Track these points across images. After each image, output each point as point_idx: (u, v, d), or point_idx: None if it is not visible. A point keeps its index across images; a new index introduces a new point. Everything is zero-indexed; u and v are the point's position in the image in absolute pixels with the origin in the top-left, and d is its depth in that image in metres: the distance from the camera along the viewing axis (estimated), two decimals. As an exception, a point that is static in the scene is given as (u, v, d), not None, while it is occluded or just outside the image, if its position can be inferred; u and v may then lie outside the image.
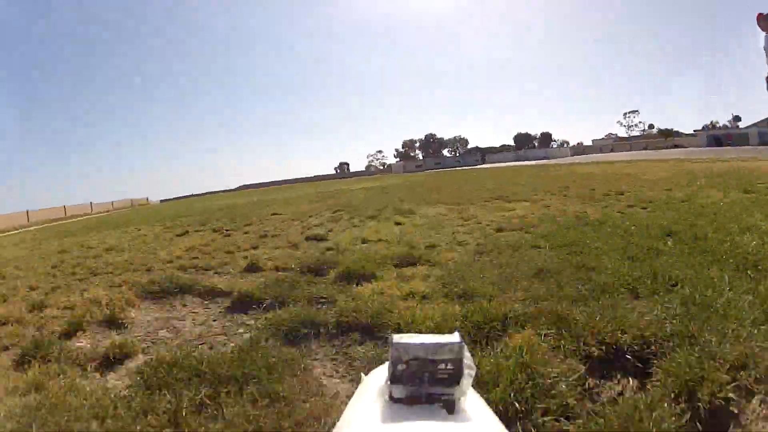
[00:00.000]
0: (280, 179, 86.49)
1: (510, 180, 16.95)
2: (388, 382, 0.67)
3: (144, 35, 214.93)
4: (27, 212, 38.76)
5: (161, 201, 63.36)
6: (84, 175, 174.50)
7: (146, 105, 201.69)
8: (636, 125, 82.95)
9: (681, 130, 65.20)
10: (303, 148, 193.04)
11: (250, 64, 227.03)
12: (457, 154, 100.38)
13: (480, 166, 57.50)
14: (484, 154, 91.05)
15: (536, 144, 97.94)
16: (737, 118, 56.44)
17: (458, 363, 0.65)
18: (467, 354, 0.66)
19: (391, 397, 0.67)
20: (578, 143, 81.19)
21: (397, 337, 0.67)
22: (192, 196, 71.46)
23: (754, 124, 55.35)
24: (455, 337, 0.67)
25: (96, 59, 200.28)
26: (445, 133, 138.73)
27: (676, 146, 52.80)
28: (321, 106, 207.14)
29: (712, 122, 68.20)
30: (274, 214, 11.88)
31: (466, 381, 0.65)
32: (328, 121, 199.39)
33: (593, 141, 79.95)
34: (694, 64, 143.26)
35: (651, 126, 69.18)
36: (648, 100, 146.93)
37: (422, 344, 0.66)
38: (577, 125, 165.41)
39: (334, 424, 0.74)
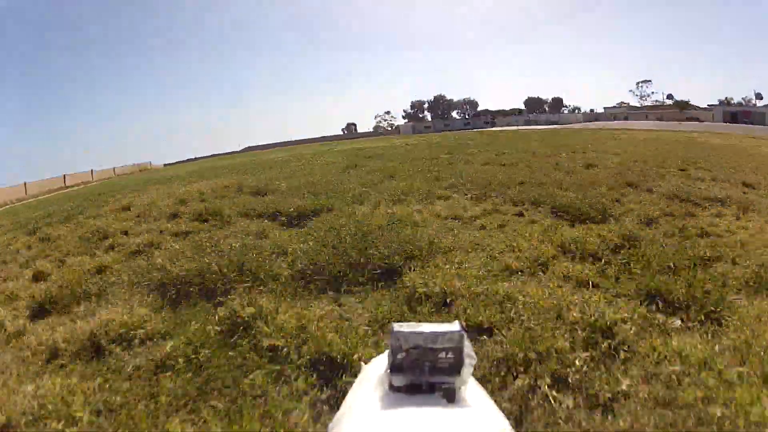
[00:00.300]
0: (286, 140, 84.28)
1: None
2: (389, 371, 0.68)
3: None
4: (24, 184, 35.93)
5: (165, 165, 60.78)
6: (74, 144, 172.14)
7: (138, 67, 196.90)
8: (649, 95, 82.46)
9: (695, 104, 64.77)
10: (308, 110, 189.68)
11: (252, 21, 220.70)
12: (467, 116, 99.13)
13: (495, 129, 57.26)
14: (494, 116, 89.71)
15: (547, 109, 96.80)
16: (759, 96, 56.04)
17: (458, 352, 0.66)
18: (467, 343, 0.68)
19: (391, 386, 0.68)
20: (591, 110, 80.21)
21: (397, 326, 0.68)
22: (199, 158, 69.24)
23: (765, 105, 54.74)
24: (455, 326, 0.68)
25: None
26: (455, 95, 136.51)
27: (690, 119, 52.52)
28: (326, 66, 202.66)
29: (726, 98, 67.42)
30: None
31: (467, 370, 0.67)
32: (335, 81, 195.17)
33: (605, 108, 79.10)
34: (713, 36, 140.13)
35: (670, 96, 68.44)
36: (661, 71, 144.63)
37: (422, 333, 0.67)
38: (589, 92, 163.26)
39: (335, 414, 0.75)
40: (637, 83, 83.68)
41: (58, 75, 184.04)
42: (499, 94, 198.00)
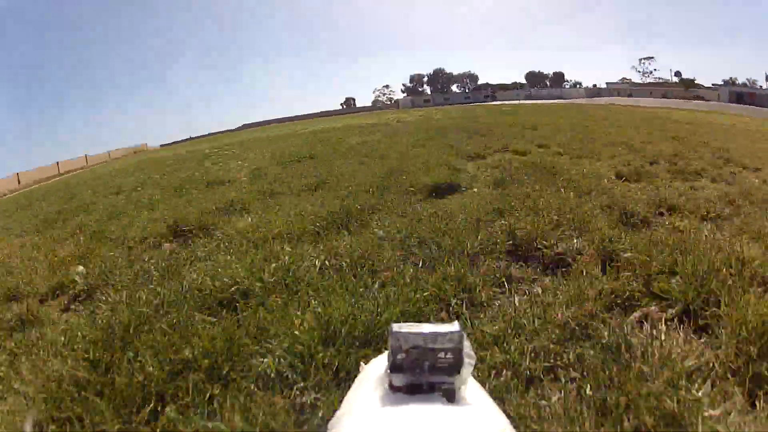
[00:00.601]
0: (283, 117, 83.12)
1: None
2: (388, 371, 0.68)
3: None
4: (17, 174, 34.31)
5: (161, 146, 59.63)
6: (62, 130, 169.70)
7: (129, 43, 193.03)
8: (651, 72, 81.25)
9: (699, 83, 63.95)
10: (304, 84, 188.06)
11: None
12: (467, 90, 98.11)
13: (495, 103, 56.68)
14: (495, 90, 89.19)
15: (548, 83, 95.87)
16: None
17: (458, 352, 0.66)
18: (467, 343, 0.67)
19: (391, 386, 0.68)
20: (593, 85, 79.37)
21: (397, 326, 0.68)
22: (194, 138, 67.60)
23: None
24: (455, 326, 0.67)
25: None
26: (455, 68, 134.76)
27: (696, 98, 52.08)
28: (323, 39, 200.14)
29: (731, 78, 66.54)
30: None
31: (466, 370, 0.67)
32: (331, 55, 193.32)
33: (607, 84, 78.43)
34: (718, 12, 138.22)
35: (678, 73, 67.33)
36: (665, 48, 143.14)
37: (421, 333, 0.66)
38: (590, 67, 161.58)
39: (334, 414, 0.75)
40: (640, 59, 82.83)
41: (41, 63, 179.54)
42: (500, 68, 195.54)
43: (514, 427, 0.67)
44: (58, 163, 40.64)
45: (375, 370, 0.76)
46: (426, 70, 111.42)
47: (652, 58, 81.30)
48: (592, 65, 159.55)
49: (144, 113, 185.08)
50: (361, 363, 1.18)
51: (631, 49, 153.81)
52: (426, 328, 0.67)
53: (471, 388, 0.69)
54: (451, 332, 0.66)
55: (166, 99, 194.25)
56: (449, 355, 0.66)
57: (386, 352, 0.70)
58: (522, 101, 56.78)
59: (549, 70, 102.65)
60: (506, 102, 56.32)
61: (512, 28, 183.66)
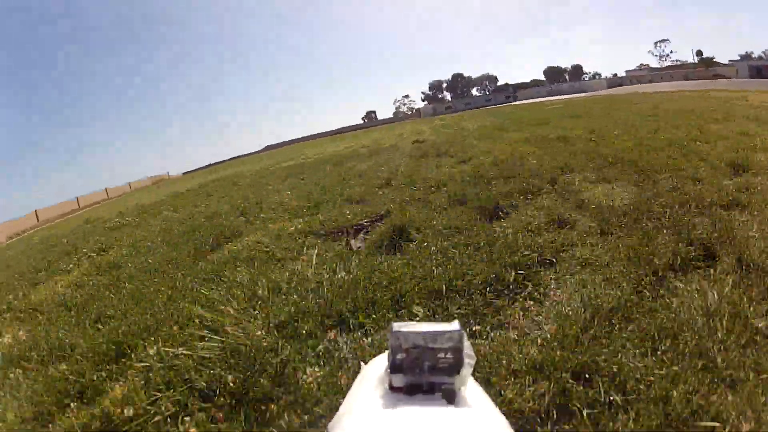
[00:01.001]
0: (306, 135, 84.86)
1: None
2: (388, 371, 0.69)
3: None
4: (36, 211, 35.59)
5: (184, 173, 60.00)
6: (78, 165, 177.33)
7: (143, 77, 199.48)
8: (668, 55, 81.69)
9: (717, 60, 64.02)
10: (324, 102, 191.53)
11: (261, 18, 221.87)
12: (487, 93, 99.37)
13: (516, 103, 56.80)
14: (516, 90, 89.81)
15: (567, 77, 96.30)
16: None
17: (458, 352, 0.67)
18: (467, 343, 0.68)
19: (391, 386, 0.69)
20: (613, 75, 79.64)
21: (397, 326, 0.69)
22: (217, 163, 67.28)
23: None
24: (455, 326, 0.68)
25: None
26: (473, 72, 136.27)
27: (717, 76, 52.07)
28: (340, 55, 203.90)
29: (747, 52, 66.07)
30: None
31: (466, 370, 0.67)
32: (350, 70, 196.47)
33: (626, 72, 78.65)
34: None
35: (699, 52, 66.94)
36: (676, 26, 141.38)
37: (422, 332, 0.67)
38: (607, 57, 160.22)
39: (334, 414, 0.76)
40: (655, 43, 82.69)
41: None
42: (518, 67, 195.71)
43: (515, 428, 0.67)
44: (78, 198, 41.77)
45: (375, 370, 0.79)
46: (444, 76, 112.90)
47: (667, 40, 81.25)
48: (609, 54, 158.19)
49: (151, 144, 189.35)
50: (361, 363, 1.21)
51: (644, 33, 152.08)
52: (426, 327, 0.68)
53: (471, 389, 0.70)
54: (451, 331, 0.67)
55: (171, 130, 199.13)
56: (449, 355, 0.67)
57: (386, 352, 0.71)
58: (543, 98, 56.71)
59: (567, 64, 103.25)
60: (532, 100, 56.67)
61: (527, 24, 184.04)
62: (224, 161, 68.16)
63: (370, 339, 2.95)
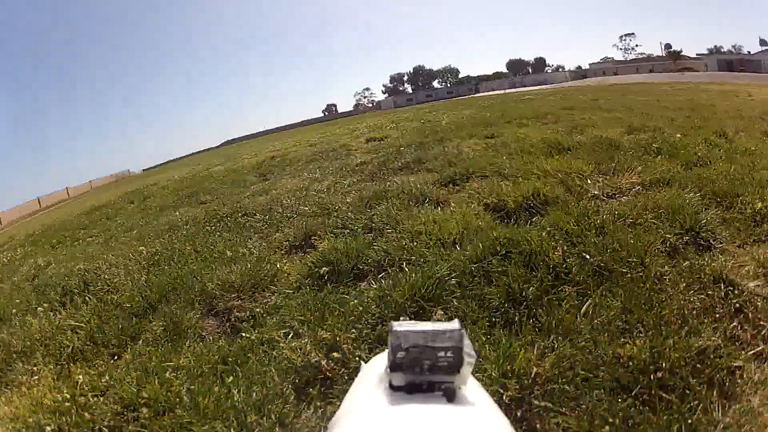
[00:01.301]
0: (269, 129, 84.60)
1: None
2: (388, 370, 0.66)
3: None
4: None
5: (144, 170, 59.84)
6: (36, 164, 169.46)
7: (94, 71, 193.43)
8: (633, 48, 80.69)
9: (685, 54, 63.03)
10: (283, 95, 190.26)
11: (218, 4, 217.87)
12: (449, 85, 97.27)
13: (480, 95, 55.36)
14: (478, 82, 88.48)
15: (530, 70, 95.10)
16: (763, 42, 53.77)
17: (458, 351, 0.64)
18: (467, 342, 0.65)
19: (391, 385, 0.66)
20: (577, 67, 78.85)
21: (397, 325, 0.66)
22: (180, 158, 66.63)
23: (761, 51, 53.09)
24: (455, 324, 0.66)
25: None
26: (434, 64, 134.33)
27: (685, 70, 51.33)
28: (300, 47, 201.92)
29: (716, 47, 65.97)
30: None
31: (467, 369, 0.64)
32: (310, 62, 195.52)
33: (590, 65, 77.81)
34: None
35: (668, 45, 66.17)
36: (644, 22, 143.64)
37: (422, 331, 0.65)
38: (571, 50, 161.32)
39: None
40: (621, 36, 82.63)
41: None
42: (480, 59, 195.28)
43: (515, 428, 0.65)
44: (39, 199, 40.70)
45: (375, 369, 0.75)
46: (406, 68, 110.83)
47: (633, 34, 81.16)
48: (572, 47, 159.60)
49: (109, 140, 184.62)
50: (361, 362, 1.14)
51: (610, 25, 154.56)
52: (426, 326, 0.66)
53: (471, 388, 0.68)
54: (452, 330, 0.65)
55: (126, 126, 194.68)
56: (449, 354, 0.64)
57: (386, 351, 0.67)
58: (507, 90, 55.65)
59: (530, 56, 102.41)
60: (495, 92, 54.91)
61: (489, 17, 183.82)
62: (181, 158, 67.48)
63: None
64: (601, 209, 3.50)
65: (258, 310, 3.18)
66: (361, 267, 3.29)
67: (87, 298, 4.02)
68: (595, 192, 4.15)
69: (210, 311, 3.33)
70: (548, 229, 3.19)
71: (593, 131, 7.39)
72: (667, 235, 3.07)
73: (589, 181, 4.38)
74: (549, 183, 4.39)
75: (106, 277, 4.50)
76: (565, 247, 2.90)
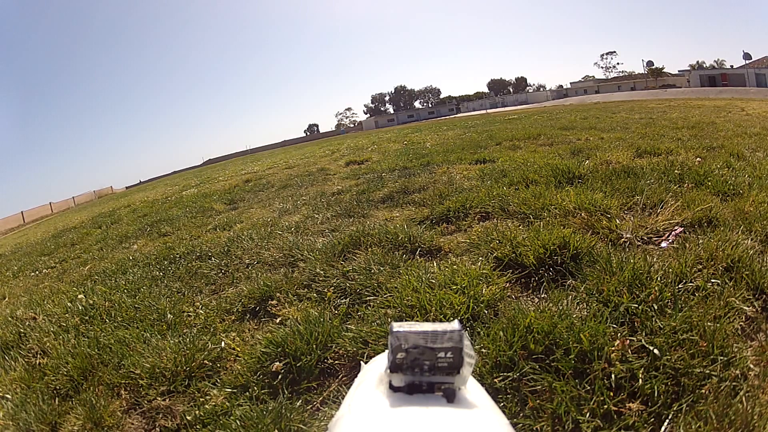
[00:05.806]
0: (252, 147, 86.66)
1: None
2: (388, 371, 0.66)
3: None
4: None
5: (127, 188, 59.82)
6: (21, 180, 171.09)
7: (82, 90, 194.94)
8: (614, 66, 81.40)
9: (667, 70, 63.66)
10: (265, 116, 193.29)
11: (202, 22, 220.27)
12: (430, 105, 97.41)
13: (462, 115, 55.18)
14: (459, 102, 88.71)
15: (511, 89, 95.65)
16: (747, 56, 54.45)
17: (458, 352, 0.63)
18: (467, 342, 0.65)
19: (390, 386, 0.66)
20: (558, 86, 79.30)
21: (397, 326, 0.65)
22: (162, 176, 66.90)
23: (743, 66, 53.76)
24: (455, 325, 0.65)
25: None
26: (416, 84, 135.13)
27: (666, 86, 51.71)
28: (282, 67, 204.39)
29: (698, 62, 66.93)
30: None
31: (467, 370, 0.64)
32: (292, 83, 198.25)
33: (571, 83, 78.42)
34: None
35: (650, 63, 66.71)
36: (624, 41, 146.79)
37: (422, 332, 0.64)
38: (552, 69, 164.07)
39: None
40: (602, 55, 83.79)
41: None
42: (462, 79, 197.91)
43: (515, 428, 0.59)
44: (22, 212, 40.40)
45: (375, 370, 0.74)
46: (387, 88, 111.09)
47: (615, 52, 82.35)
48: (554, 67, 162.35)
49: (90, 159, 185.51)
50: (361, 363, 1.12)
51: (591, 44, 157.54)
52: (426, 326, 0.65)
53: (471, 388, 0.67)
54: (452, 331, 0.64)
55: (109, 145, 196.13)
56: (449, 355, 0.63)
57: (386, 352, 0.68)
58: (489, 110, 55.81)
59: (511, 76, 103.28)
60: (476, 112, 54.81)
61: (470, 37, 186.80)
62: (164, 176, 68.55)
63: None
64: (653, 267, 2.58)
65: (189, 418, 2.22)
66: (329, 359, 2.34)
67: (18, 357, 3.24)
68: (628, 236, 3.28)
69: (135, 406, 2.39)
70: (593, 304, 2.27)
71: (599, 155, 6.56)
72: (744, 306, 2.20)
73: (617, 221, 3.51)
74: (570, 225, 3.50)
75: (38, 335, 3.56)
76: (625, 338, 1.98)
